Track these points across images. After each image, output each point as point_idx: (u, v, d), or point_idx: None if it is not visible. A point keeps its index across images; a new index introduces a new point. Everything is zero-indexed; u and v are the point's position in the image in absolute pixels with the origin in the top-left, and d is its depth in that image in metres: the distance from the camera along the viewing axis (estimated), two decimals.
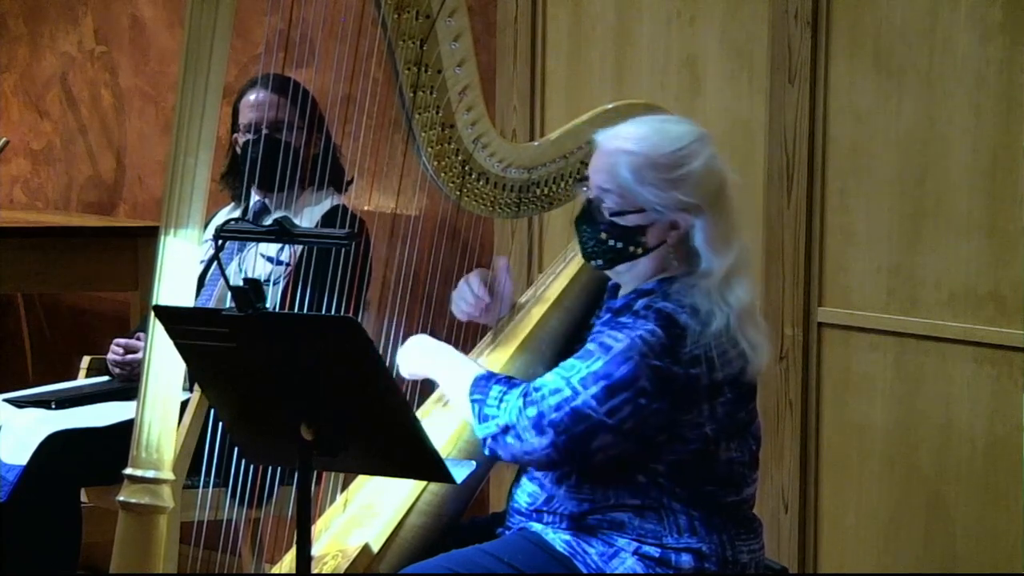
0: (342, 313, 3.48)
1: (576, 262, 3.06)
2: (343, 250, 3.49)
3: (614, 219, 2.72)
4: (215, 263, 3.62)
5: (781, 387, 3.51)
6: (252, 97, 3.82)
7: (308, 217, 3.77)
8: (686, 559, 2.70)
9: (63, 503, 3.62)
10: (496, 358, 2.94)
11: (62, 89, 5.31)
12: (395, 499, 2.82)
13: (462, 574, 2.67)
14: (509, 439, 2.64)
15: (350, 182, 3.87)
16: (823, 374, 3.49)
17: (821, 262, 3.48)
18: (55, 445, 3.58)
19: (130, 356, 3.81)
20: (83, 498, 3.70)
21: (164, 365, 3.11)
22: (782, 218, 3.50)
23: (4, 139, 5.03)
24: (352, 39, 3.27)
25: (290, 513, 3.62)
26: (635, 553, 2.70)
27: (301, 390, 2.43)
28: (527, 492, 2.81)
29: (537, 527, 2.78)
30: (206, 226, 3.27)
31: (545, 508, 2.77)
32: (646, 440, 2.65)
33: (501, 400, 2.66)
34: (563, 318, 2.99)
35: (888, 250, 3.38)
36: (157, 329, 3.03)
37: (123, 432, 3.24)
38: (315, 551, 2.73)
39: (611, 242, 2.74)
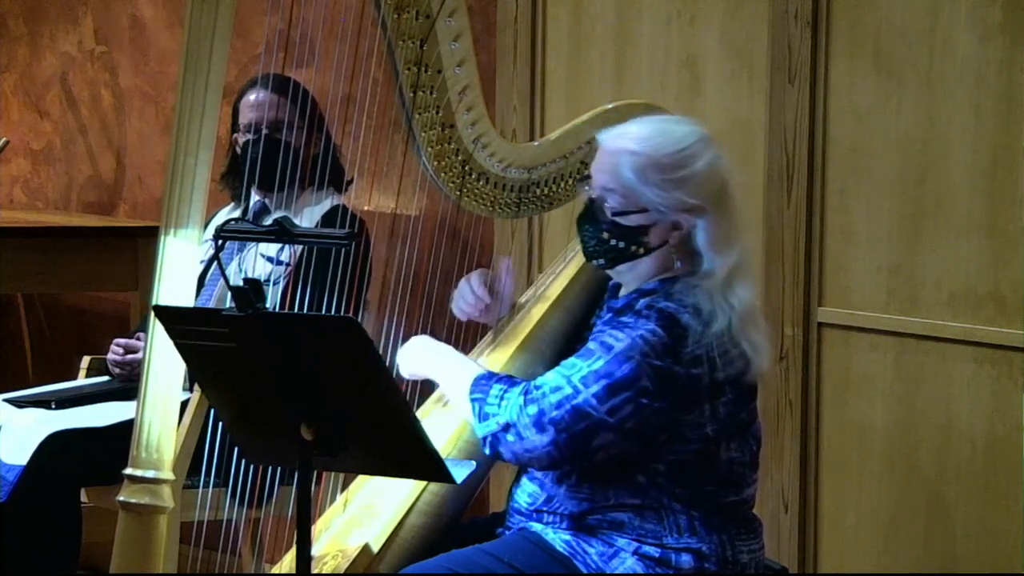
0: (342, 313, 3.48)
1: (576, 262, 3.06)
2: (343, 250, 3.49)
3: (616, 219, 2.72)
4: (215, 263, 3.62)
5: (781, 387, 3.51)
6: (252, 97, 3.82)
7: (308, 217, 3.76)
8: (686, 559, 2.70)
9: (63, 503, 3.62)
10: (496, 358, 2.94)
11: (62, 89, 5.31)
12: (395, 499, 2.82)
13: (462, 574, 2.67)
14: (509, 437, 2.64)
15: (350, 182, 3.87)
16: (823, 374, 3.49)
17: (821, 262, 3.48)
18: (55, 445, 3.58)
19: (130, 356, 3.81)
20: (83, 498, 3.70)
21: (164, 365, 3.11)
22: (782, 218, 3.50)
23: (4, 139, 5.03)
24: (352, 39, 3.27)
25: (290, 513, 3.62)
26: (635, 553, 2.70)
27: (301, 390, 2.43)
28: (527, 492, 2.81)
29: (537, 527, 2.78)
30: (206, 226, 3.27)
31: (545, 508, 2.77)
32: (647, 439, 2.65)
33: (502, 398, 2.67)
34: (563, 318, 2.99)
35: (888, 250, 3.38)
36: (157, 329, 3.03)
37: (123, 432, 3.24)
38: (315, 551, 2.73)
39: (613, 241, 2.74)
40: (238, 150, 3.87)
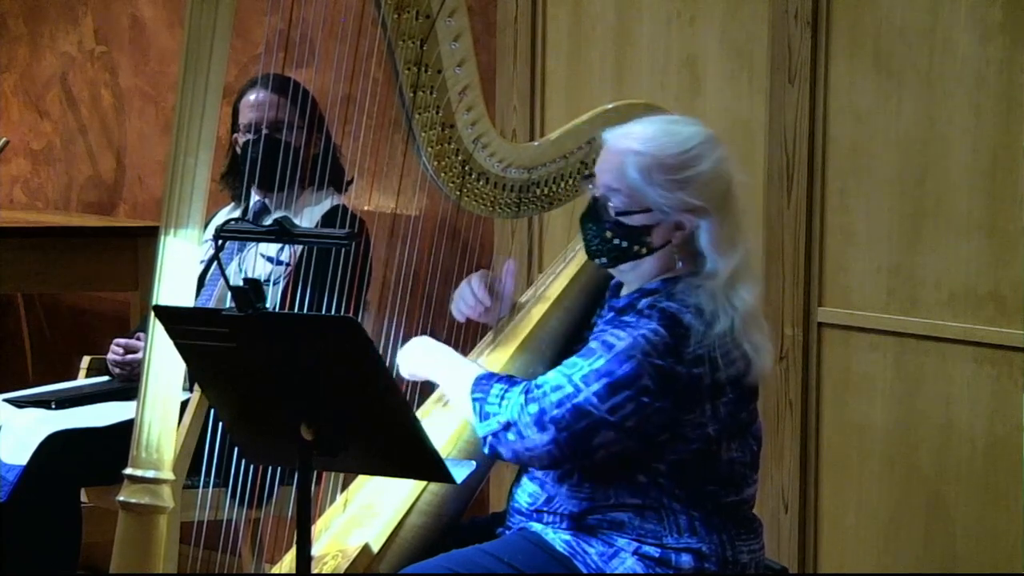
0: (342, 313, 3.48)
1: (576, 262, 3.06)
2: (343, 250, 3.49)
3: (620, 218, 2.72)
4: (215, 263, 3.62)
5: (781, 387, 3.51)
6: (252, 97, 3.82)
7: (308, 217, 3.77)
8: (686, 559, 2.70)
9: (63, 503, 3.62)
10: (496, 358, 2.94)
11: (62, 89, 5.31)
12: (395, 499, 2.82)
13: (462, 574, 2.67)
14: (510, 436, 2.64)
15: (350, 182, 3.87)
16: (823, 374, 3.49)
17: (821, 262, 3.48)
18: (55, 445, 3.58)
19: (130, 356, 3.81)
20: (83, 498, 3.70)
21: (164, 365, 3.11)
22: (782, 218, 3.50)
23: (4, 139, 5.03)
24: (352, 39, 3.27)
25: (290, 513, 3.62)
26: (635, 553, 2.70)
27: (301, 390, 2.43)
28: (528, 492, 2.81)
29: (537, 527, 2.78)
30: (206, 226, 3.27)
31: (546, 508, 2.77)
32: (648, 438, 2.65)
33: (502, 398, 2.67)
34: (563, 318, 2.99)
35: (888, 250, 3.38)
36: (157, 329, 3.03)
37: (123, 432, 3.24)
38: (315, 551, 2.73)
39: (616, 241, 2.74)
40: (238, 150, 3.87)
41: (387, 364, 2.58)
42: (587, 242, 2.79)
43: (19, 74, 5.43)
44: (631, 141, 2.72)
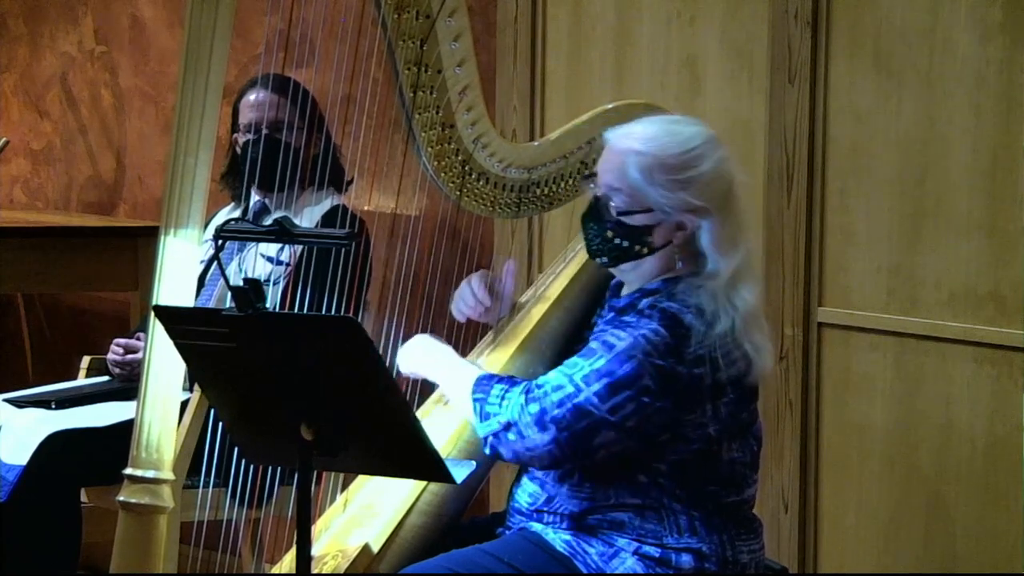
0: (342, 313, 3.48)
1: (576, 262, 3.06)
2: (343, 250, 3.49)
3: (621, 218, 2.72)
4: (215, 263, 3.62)
5: (781, 387, 3.51)
6: (252, 97, 3.82)
7: (308, 217, 3.76)
8: (686, 559, 2.70)
9: (63, 503, 3.62)
10: (496, 358, 2.94)
11: (62, 89, 5.31)
12: (395, 499, 2.82)
13: (462, 574, 2.67)
14: (511, 436, 2.65)
15: (350, 182, 3.87)
16: (823, 374, 3.49)
17: (821, 262, 3.48)
18: (55, 445, 3.58)
19: (130, 356, 3.81)
20: (83, 498, 3.70)
21: (164, 365, 3.11)
22: (782, 218, 3.50)
23: (4, 139, 5.03)
24: (352, 39, 3.27)
25: (290, 513, 3.62)
26: (635, 553, 2.70)
27: (301, 390, 2.43)
28: (528, 492, 2.81)
29: (537, 527, 2.78)
30: (206, 226, 3.27)
31: (546, 508, 2.77)
32: (649, 438, 2.65)
33: (503, 398, 2.67)
34: (563, 318, 2.99)
35: (888, 250, 3.38)
36: (157, 329, 3.03)
37: (123, 432, 3.24)
38: (315, 551, 2.73)
39: (617, 240, 2.74)
40: (238, 150, 3.87)
41: (387, 364, 2.58)
42: (588, 241, 2.79)
43: (19, 74, 5.43)
44: (633, 141, 2.72)
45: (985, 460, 3.27)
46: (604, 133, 2.79)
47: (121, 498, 3.14)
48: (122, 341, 3.86)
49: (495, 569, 2.69)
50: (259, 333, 2.41)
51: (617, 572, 2.69)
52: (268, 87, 3.77)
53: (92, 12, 5.18)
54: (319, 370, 2.41)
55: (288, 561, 2.83)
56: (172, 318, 2.53)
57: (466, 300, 3.04)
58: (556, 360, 2.84)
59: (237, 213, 3.87)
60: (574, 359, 2.68)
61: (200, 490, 3.45)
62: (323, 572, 2.75)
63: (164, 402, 3.13)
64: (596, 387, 2.61)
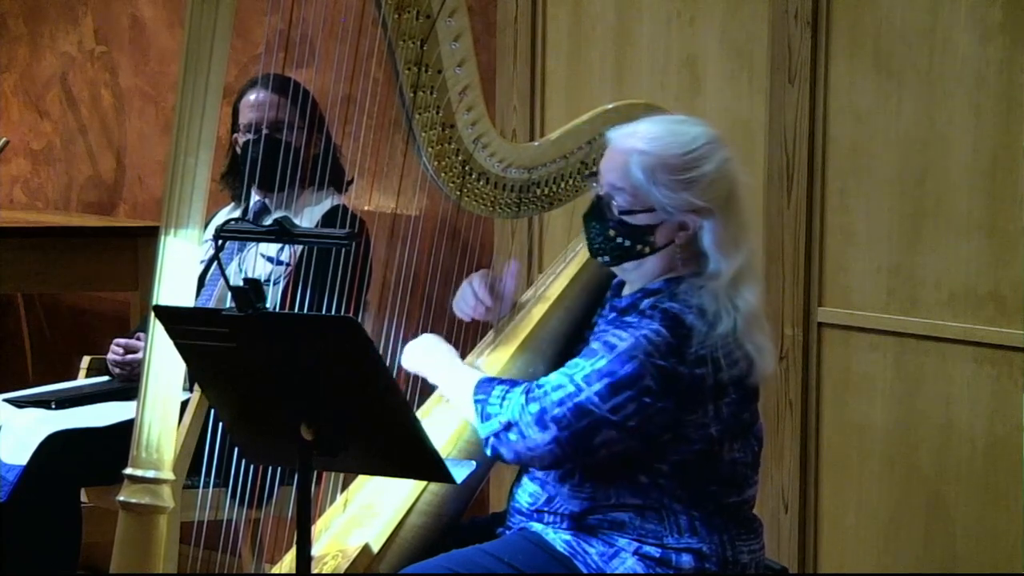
0: (342, 313, 3.48)
1: (577, 262, 3.06)
2: (343, 250, 3.49)
3: (624, 217, 2.72)
4: (215, 263, 3.62)
5: (781, 387, 3.51)
6: (252, 97, 3.82)
7: (308, 217, 3.77)
8: (686, 559, 2.70)
9: (63, 503, 3.62)
10: (497, 357, 2.94)
11: (62, 89, 5.31)
12: (395, 499, 2.82)
13: (462, 574, 2.67)
14: (512, 436, 2.65)
15: (350, 182, 3.87)
16: (823, 374, 3.49)
17: (821, 262, 3.48)
18: (55, 445, 3.58)
19: (130, 356, 3.81)
20: (83, 498, 3.70)
21: (164, 365, 3.11)
22: (782, 218, 3.50)
23: (4, 139, 5.03)
24: (352, 39, 3.27)
25: (290, 513, 3.62)
26: (635, 553, 2.70)
27: (301, 390, 2.43)
28: (528, 492, 2.81)
29: (537, 527, 2.78)
30: (206, 226, 3.27)
31: (546, 508, 2.77)
32: (650, 438, 2.65)
33: (504, 398, 2.67)
34: (564, 318, 2.99)
35: (888, 250, 3.38)
36: (157, 329, 3.03)
37: (123, 432, 3.24)
38: (315, 551, 2.73)
39: (619, 240, 2.74)
40: (238, 150, 3.87)
41: (387, 364, 2.58)
42: (590, 240, 2.79)
43: (19, 74, 5.43)
44: (636, 140, 2.72)
45: (985, 460, 3.27)
46: (607, 132, 2.79)
47: (121, 498, 3.14)
48: (122, 341, 3.86)
49: (495, 569, 2.69)
50: (259, 333, 2.41)
51: (617, 572, 2.69)
52: (268, 87, 3.77)
53: (92, 12, 5.18)
54: (319, 370, 2.41)
55: (288, 561, 2.83)
56: (172, 318, 2.53)
57: (467, 300, 3.04)
58: (556, 359, 2.84)
59: (237, 213, 3.87)
60: (575, 360, 2.68)
61: (200, 490, 3.45)
62: (323, 572, 2.75)
63: (164, 402, 3.13)
64: (597, 387, 2.61)
